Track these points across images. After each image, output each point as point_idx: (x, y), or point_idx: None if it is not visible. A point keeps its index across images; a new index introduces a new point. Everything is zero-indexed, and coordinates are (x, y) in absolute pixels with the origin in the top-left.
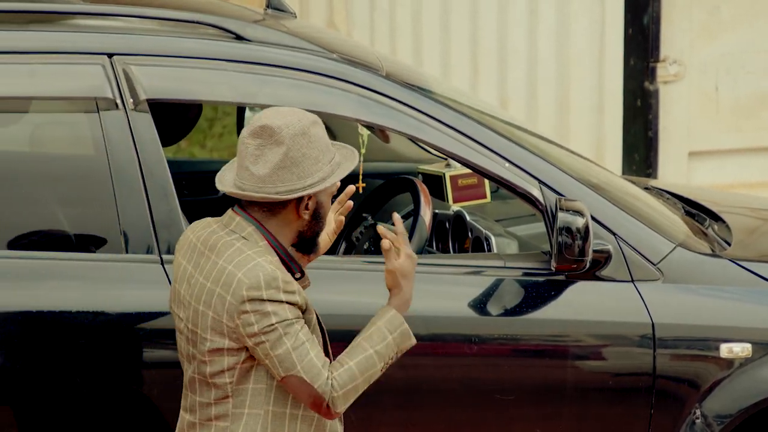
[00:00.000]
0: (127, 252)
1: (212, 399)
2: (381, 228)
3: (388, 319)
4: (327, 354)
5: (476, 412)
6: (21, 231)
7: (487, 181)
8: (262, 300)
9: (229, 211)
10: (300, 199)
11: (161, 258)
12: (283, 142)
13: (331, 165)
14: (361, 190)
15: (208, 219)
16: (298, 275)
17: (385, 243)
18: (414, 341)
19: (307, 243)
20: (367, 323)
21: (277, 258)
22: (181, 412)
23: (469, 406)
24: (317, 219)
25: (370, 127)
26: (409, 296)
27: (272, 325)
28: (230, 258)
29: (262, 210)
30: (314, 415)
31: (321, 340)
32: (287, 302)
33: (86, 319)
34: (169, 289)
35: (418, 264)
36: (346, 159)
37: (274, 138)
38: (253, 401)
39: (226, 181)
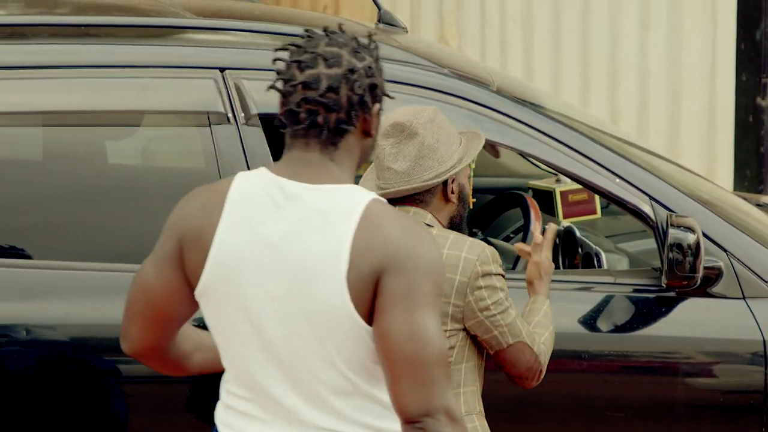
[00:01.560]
0: None
1: None
2: (520, 244)
3: (548, 305)
4: None
5: (586, 429)
6: (134, 244)
7: (597, 197)
8: (491, 274)
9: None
10: (445, 184)
11: None
12: (417, 132)
13: (461, 147)
14: (471, 206)
15: None
16: None
17: (537, 237)
18: None
19: (458, 230)
20: None
21: None
22: None
23: (579, 422)
24: (464, 201)
25: None
26: (547, 292)
27: (501, 299)
28: (439, 243)
29: (416, 204)
30: None
31: None
32: (503, 275)
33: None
34: None
35: None
36: (471, 140)
37: (406, 132)
38: (467, 379)
39: (369, 188)
